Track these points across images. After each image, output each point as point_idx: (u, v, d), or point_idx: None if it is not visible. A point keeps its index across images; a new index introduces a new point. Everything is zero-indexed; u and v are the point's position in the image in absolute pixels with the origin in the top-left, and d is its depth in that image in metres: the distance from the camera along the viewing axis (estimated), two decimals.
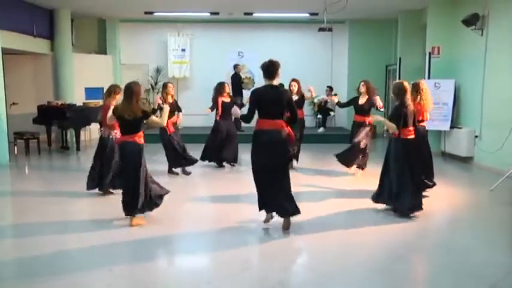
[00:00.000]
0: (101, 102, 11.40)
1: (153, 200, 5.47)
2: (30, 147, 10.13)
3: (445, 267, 4.24)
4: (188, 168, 8.28)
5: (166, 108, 5.73)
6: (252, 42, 14.04)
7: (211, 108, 8.73)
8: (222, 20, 13.62)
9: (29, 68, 12.01)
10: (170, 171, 8.19)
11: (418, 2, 10.61)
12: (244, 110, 5.38)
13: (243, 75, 13.09)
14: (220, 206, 6.35)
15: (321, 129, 13.26)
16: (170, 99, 7.83)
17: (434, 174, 6.87)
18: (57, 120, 10.54)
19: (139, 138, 5.33)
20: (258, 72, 5.52)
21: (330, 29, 10.87)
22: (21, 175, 8.78)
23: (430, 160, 6.74)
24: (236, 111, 5.73)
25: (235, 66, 13.08)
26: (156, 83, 13.71)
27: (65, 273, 4.08)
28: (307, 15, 12.70)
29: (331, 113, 13.81)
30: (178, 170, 8.29)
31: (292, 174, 8.19)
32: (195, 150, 8.72)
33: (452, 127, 9.74)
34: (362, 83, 8.01)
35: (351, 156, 8.00)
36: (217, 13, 12.65)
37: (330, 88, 13.27)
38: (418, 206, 5.67)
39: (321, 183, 7.64)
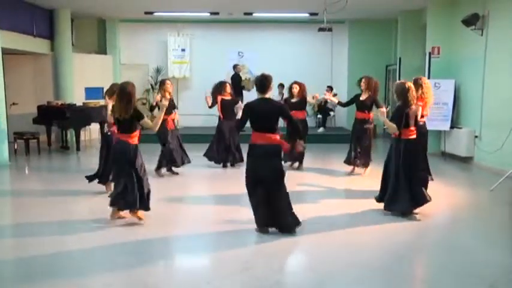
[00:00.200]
0: (101, 102, 11.42)
1: (147, 202, 5.47)
2: (30, 147, 10.13)
3: (445, 267, 4.24)
4: (179, 169, 8.17)
5: (164, 104, 5.73)
6: (252, 42, 14.05)
7: (212, 105, 8.65)
8: (222, 20, 13.62)
9: (29, 68, 12.01)
10: (157, 170, 7.89)
11: (418, 2, 10.61)
12: None
13: (242, 76, 13.08)
14: (220, 206, 6.35)
15: (321, 129, 13.27)
16: (168, 97, 7.68)
17: (435, 174, 6.87)
18: (57, 120, 10.54)
19: (133, 138, 5.36)
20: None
21: (330, 29, 10.87)
22: (21, 175, 8.78)
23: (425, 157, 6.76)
24: (240, 108, 5.74)
25: (235, 67, 13.07)
26: (156, 83, 13.69)
27: (65, 273, 4.08)
28: (307, 15, 12.70)
29: (331, 113, 13.81)
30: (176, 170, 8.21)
31: (295, 174, 8.33)
32: (195, 150, 8.72)
33: (452, 127, 9.74)
34: (363, 80, 7.98)
35: (367, 159, 8.02)
36: (217, 13, 12.65)
37: (330, 88, 13.26)
38: (419, 202, 5.67)
39: (321, 183, 7.64)
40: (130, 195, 5.28)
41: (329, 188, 7.33)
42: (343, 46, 14.13)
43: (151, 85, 13.83)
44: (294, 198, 6.66)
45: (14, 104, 11.30)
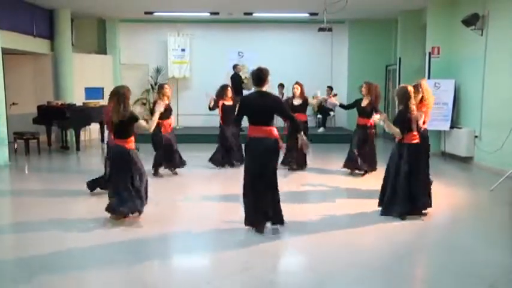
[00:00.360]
0: (101, 102, 11.43)
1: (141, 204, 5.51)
2: (30, 147, 10.13)
3: (445, 267, 4.24)
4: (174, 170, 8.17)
5: (159, 110, 5.77)
6: (251, 42, 14.05)
7: (213, 108, 8.64)
8: (222, 20, 13.62)
9: (29, 68, 12.01)
10: (156, 173, 7.91)
11: (418, 2, 10.61)
12: None
13: (242, 76, 13.09)
14: (220, 206, 6.35)
15: (321, 129, 13.27)
16: (166, 101, 7.68)
17: (435, 174, 6.86)
18: (57, 120, 10.54)
19: (129, 143, 5.41)
20: None
21: (330, 29, 10.88)
22: (21, 175, 8.78)
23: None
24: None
25: (235, 67, 13.08)
26: (156, 83, 13.69)
27: (64, 272, 4.08)
28: (307, 15, 12.71)
29: (331, 113, 13.81)
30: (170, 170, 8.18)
31: (295, 174, 8.33)
32: (195, 150, 8.72)
33: (452, 127, 9.74)
34: (364, 85, 7.98)
35: (373, 164, 8.03)
36: (217, 13, 12.65)
37: (330, 88, 13.27)
38: (420, 207, 5.70)
39: (321, 183, 7.63)
40: (129, 201, 5.34)
41: (329, 188, 7.33)
42: (343, 46, 14.14)
43: (151, 85, 13.83)
44: (294, 199, 6.70)
45: (14, 104, 11.30)
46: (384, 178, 5.90)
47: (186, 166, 8.23)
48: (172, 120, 8.03)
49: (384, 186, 5.89)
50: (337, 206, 6.25)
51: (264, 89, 5.06)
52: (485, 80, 8.93)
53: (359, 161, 7.95)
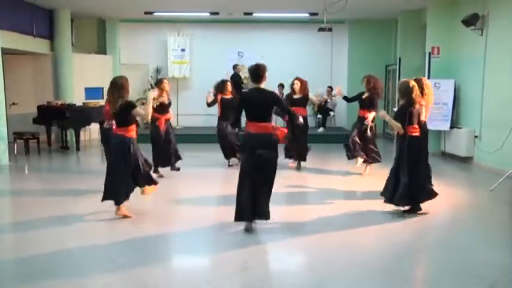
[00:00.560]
0: (100, 102, 11.43)
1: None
2: (30, 147, 10.12)
3: (445, 267, 4.24)
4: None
5: (151, 94, 5.87)
6: (251, 42, 14.05)
7: (211, 103, 8.62)
8: (222, 20, 13.62)
9: (29, 68, 12.00)
10: (156, 171, 7.78)
11: (418, 2, 10.61)
12: None
13: (242, 76, 13.08)
14: (220, 206, 6.34)
15: (321, 129, 13.27)
16: (165, 95, 7.67)
17: (435, 174, 6.86)
18: (57, 120, 10.54)
19: (130, 132, 5.46)
20: None
21: (330, 29, 10.87)
22: (20, 175, 8.78)
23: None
24: None
25: (235, 67, 13.08)
26: (155, 83, 13.70)
27: (65, 272, 4.08)
28: (307, 15, 12.70)
29: (331, 113, 13.81)
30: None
31: (295, 174, 8.33)
32: (195, 150, 8.72)
33: (452, 127, 9.73)
34: (365, 78, 7.99)
35: (375, 156, 8.06)
36: (217, 13, 12.65)
37: (331, 88, 13.27)
38: (422, 197, 5.74)
39: (321, 183, 7.63)
40: (122, 188, 5.42)
41: (329, 188, 7.32)
42: (343, 46, 14.14)
43: (151, 85, 13.80)
44: (294, 199, 6.71)
45: (13, 104, 11.29)
46: (390, 173, 5.97)
47: (186, 166, 8.22)
48: (170, 115, 7.96)
49: (388, 180, 5.96)
50: (337, 206, 6.25)
51: (262, 85, 5.07)
52: (485, 80, 8.93)
53: (357, 147, 7.94)
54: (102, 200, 5.55)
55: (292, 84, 8.54)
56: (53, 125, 10.79)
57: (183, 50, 13.99)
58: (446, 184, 7.43)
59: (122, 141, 5.42)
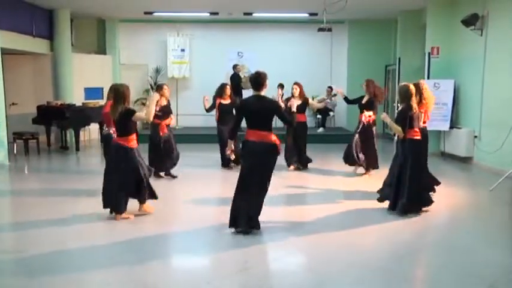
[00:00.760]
0: (100, 102, 11.42)
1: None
2: (29, 147, 10.12)
3: (445, 267, 4.24)
4: (176, 169, 8.06)
5: (155, 96, 5.82)
6: (251, 42, 14.04)
7: (209, 109, 8.62)
8: (222, 20, 13.61)
9: (29, 68, 11.99)
10: (156, 174, 7.74)
11: (418, 2, 10.61)
12: None
13: (242, 75, 13.08)
14: (219, 206, 6.33)
15: (321, 130, 13.26)
16: (164, 101, 7.65)
17: (434, 175, 6.87)
18: (57, 121, 10.53)
19: (130, 142, 5.44)
20: None
21: (330, 29, 10.86)
22: (20, 175, 8.77)
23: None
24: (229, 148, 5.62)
25: (235, 67, 13.07)
26: (155, 83, 13.69)
27: (64, 272, 4.08)
28: (306, 15, 12.70)
29: (331, 113, 13.81)
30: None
31: (295, 174, 8.33)
32: (195, 150, 8.72)
33: (451, 127, 9.74)
34: (364, 82, 8.01)
35: (372, 161, 8.08)
36: (216, 13, 12.65)
37: (331, 88, 13.27)
38: (417, 204, 5.72)
39: (320, 183, 7.63)
40: (121, 196, 5.42)
41: (328, 188, 7.32)
42: (342, 46, 14.13)
43: (150, 85, 13.81)
44: (294, 199, 6.71)
45: (13, 104, 11.28)
46: (388, 175, 5.95)
47: (186, 166, 8.22)
48: (171, 121, 7.93)
49: (385, 183, 5.95)
50: (337, 206, 6.24)
51: (263, 93, 5.07)
52: (485, 80, 8.93)
53: (357, 155, 7.95)
54: (104, 207, 5.55)
55: (291, 90, 8.54)
56: (53, 125, 10.78)
57: (182, 50, 13.98)
58: (446, 184, 7.41)
59: (122, 151, 5.40)
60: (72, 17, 12.30)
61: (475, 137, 9.19)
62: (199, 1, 11.16)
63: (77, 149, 10.66)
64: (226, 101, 8.62)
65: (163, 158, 7.74)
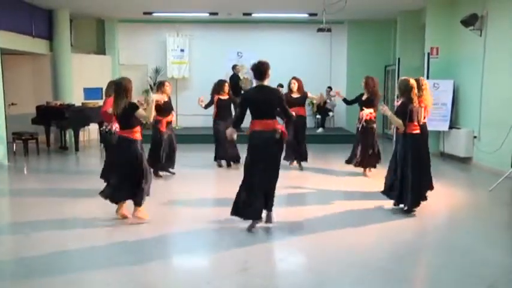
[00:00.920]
0: (99, 102, 11.40)
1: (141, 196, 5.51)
2: (29, 147, 10.10)
3: (445, 267, 4.24)
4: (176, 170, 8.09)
5: (155, 97, 5.82)
6: (251, 42, 14.03)
7: (207, 106, 8.59)
8: (221, 20, 13.61)
9: (28, 68, 11.98)
10: (156, 174, 7.73)
11: (418, 2, 10.62)
12: None
13: (241, 76, 13.08)
14: (219, 206, 6.32)
15: (320, 130, 13.27)
16: (166, 98, 7.63)
17: (434, 175, 6.86)
18: (56, 121, 10.52)
19: (135, 134, 5.40)
20: None
21: (329, 30, 10.86)
22: (19, 175, 8.76)
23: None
24: (231, 135, 5.54)
25: (234, 67, 13.07)
26: (155, 84, 13.67)
27: (64, 272, 4.07)
28: (306, 15, 12.70)
29: (330, 113, 13.82)
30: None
31: (295, 174, 8.33)
32: (194, 150, 8.71)
33: (451, 127, 9.74)
34: (363, 79, 8.01)
35: (372, 159, 8.09)
36: (216, 13, 12.65)
37: (330, 88, 13.28)
38: (419, 200, 5.77)
39: (320, 183, 7.63)
40: (124, 190, 5.37)
41: (328, 188, 7.31)
42: (342, 46, 14.14)
43: (150, 85, 13.79)
44: (294, 199, 6.71)
45: (12, 104, 11.28)
46: (388, 170, 5.96)
47: (185, 167, 8.21)
48: (172, 118, 7.90)
49: (387, 178, 5.97)
50: (337, 206, 6.24)
51: (265, 82, 5.08)
52: (484, 80, 8.94)
53: (358, 155, 7.97)
54: (100, 194, 5.49)
55: (289, 84, 8.56)
56: (52, 125, 10.77)
57: (182, 50, 13.98)
58: (446, 184, 7.43)
59: (126, 143, 5.35)
60: (71, 17, 12.30)
61: (475, 137, 9.20)
62: (198, 1, 11.16)
63: (77, 149, 10.64)
64: (225, 97, 8.61)
65: (164, 157, 7.73)
